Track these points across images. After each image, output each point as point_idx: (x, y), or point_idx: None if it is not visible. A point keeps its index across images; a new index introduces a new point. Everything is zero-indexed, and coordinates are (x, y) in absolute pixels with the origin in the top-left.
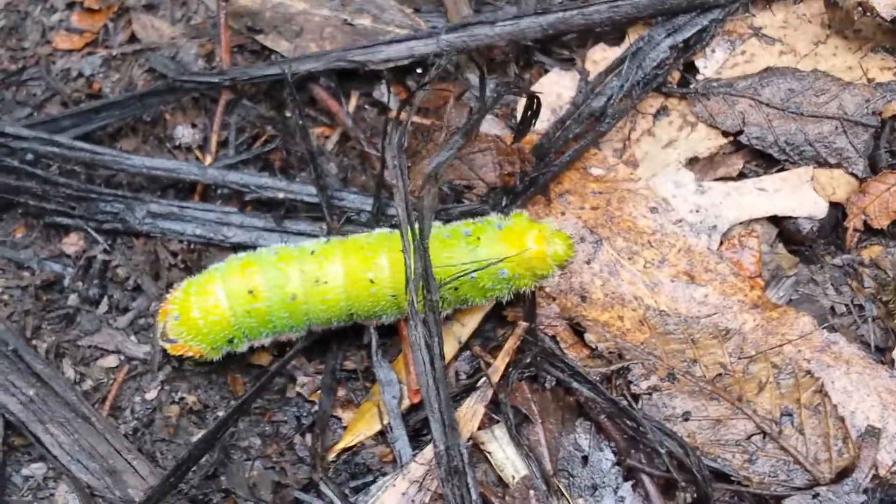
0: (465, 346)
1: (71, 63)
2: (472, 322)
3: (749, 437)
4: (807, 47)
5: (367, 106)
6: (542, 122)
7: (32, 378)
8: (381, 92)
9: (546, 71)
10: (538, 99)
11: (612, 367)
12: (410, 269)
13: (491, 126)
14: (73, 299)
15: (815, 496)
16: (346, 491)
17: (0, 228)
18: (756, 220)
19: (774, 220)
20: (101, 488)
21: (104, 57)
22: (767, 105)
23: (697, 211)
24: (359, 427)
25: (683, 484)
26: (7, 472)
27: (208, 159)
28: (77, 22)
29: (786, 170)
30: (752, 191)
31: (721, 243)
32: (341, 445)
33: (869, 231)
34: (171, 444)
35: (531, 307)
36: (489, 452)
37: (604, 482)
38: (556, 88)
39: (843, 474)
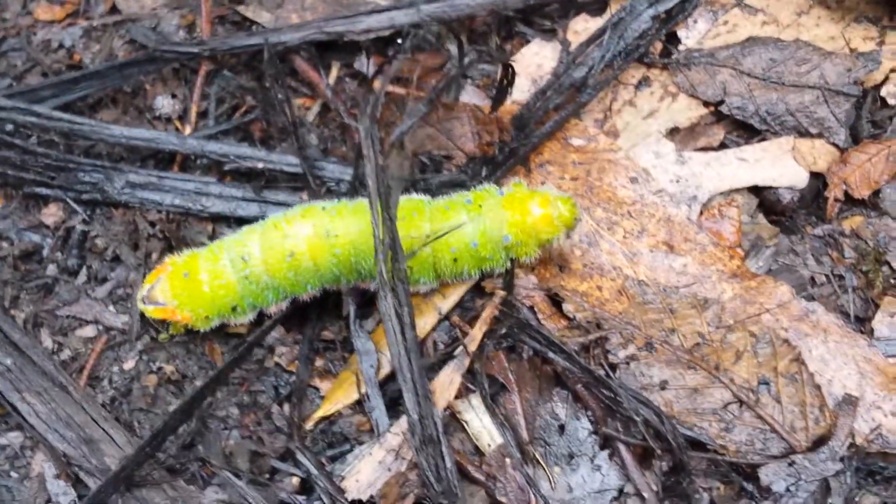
0: (445, 318)
1: (52, 34)
2: (454, 295)
3: (726, 406)
4: (789, 17)
5: (347, 77)
6: (523, 93)
7: (10, 347)
8: (362, 63)
9: (527, 41)
10: (513, 68)
11: (590, 337)
12: (379, 239)
13: (471, 96)
14: (51, 269)
15: (791, 464)
16: (323, 460)
17: None
18: (737, 190)
19: (755, 190)
20: (77, 457)
21: (85, 28)
22: (749, 75)
23: (678, 181)
24: (337, 396)
25: (659, 452)
26: None
27: (188, 130)
28: None
29: (767, 140)
30: (733, 161)
31: (701, 213)
32: (319, 414)
33: (850, 201)
34: (149, 413)
35: (509, 277)
36: (466, 421)
37: (580, 451)
38: (537, 59)
39: (819, 442)
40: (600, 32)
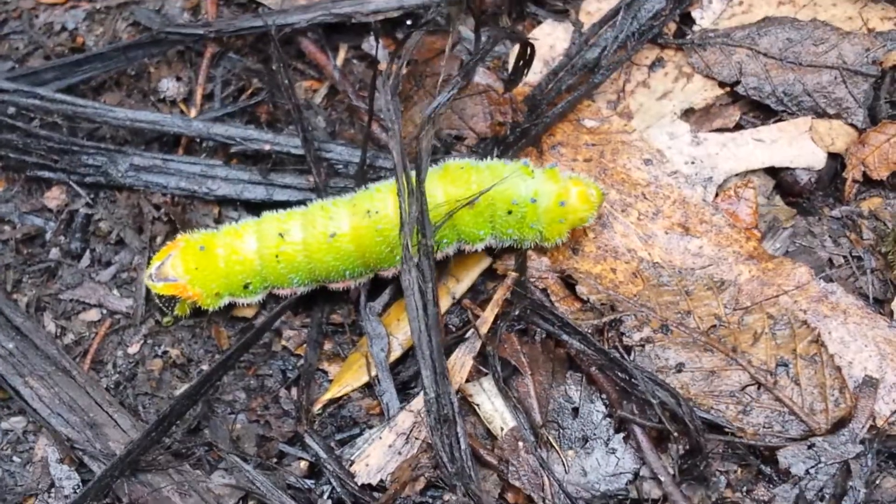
0: (458, 302)
1: (54, 17)
2: (467, 279)
3: (743, 388)
4: None
5: (355, 59)
6: (535, 74)
7: (12, 331)
8: (370, 45)
9: (539, 22)
10: (532, 47)
11: (605, 319)
12: (405, 212)
13: (483, 78)
14: (54, 253)
15: (811, 447)
16: (332, 444)
17: None
18: (753, 171)
19: (772, 171)
20: (81, 441)
21: (88, 10)
22: (765, 55)
23: (693, 162)
24: (345, 378)
25: (676, 435)
26: None
27: (193, 112)
28: None
29: (783, 121)
30: (749, 142)
31: (717, 195)
32: (327, 397)
33: (868, 182)
34: (154, 397)
35: (522, 259)
36: (477, 405)
37: (595, 434)
38: (550, 40)
39: (839, 425)
40: (613, 13)
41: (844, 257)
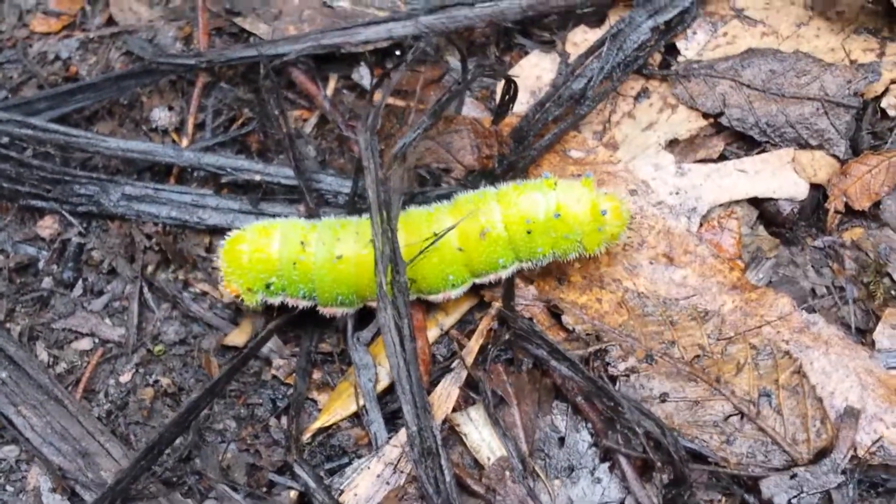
0: (446, 333)
1: (48, 46)
2: (457, 312)
3: (727, 418)
4: (789, 29)
5: (345, 89)
6: (522, 105)
7: (5, 361)
8: (360, 75)
9: (526, 53)
10: (515, 84)
11: (590, 349)
12: (379, 251)
13: (470, 109)
14: (47, 282)
15: (793, 476)
16: (321, 473)
17: None
18: (736, 202)
19: (755, 202)
20: (73, 471)
21: (81, 40)
22: (748, 86)
23: (677, 193)
24: (334, 407)
25: (660, 465)
26: None
27: (185, 142)
28: (54, 5)
29: (766, 151)
30: (733, 172)
31: (701, 225)
32: (316, 425)
33: (850, 213)
34: (146, 426)
35: (508, 288)
36: (464, 434)
37: (580, 463)
38: (536, 70)
39: (821, 455)
40: (599, 44)
41: (827, 287)
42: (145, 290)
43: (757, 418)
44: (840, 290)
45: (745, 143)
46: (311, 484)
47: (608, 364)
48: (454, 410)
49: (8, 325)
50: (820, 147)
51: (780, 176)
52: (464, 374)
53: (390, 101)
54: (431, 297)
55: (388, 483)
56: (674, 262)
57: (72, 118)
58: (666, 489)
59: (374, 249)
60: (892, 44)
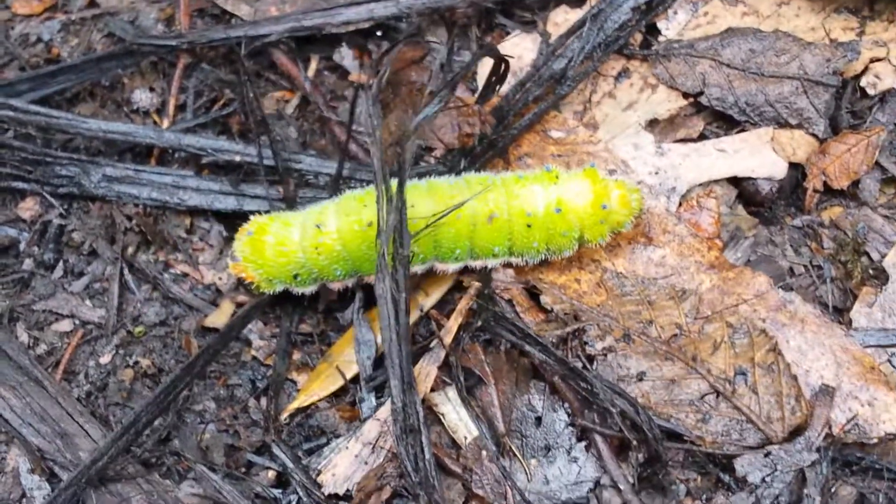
0: (426, 315)
1: (30, 28)
2: (436, 293)
3: (703, 397)
4: (770, 8)
5: (326, 70)
6: (503, 85)
7: None
8: (342, 56)
9: (507, 33)
10: (507, 63)
11: (568, 329)
12: (384, 222)
13: None
14: (28, 264)
15: (767, 455)
16: (300, 453)
17: None
18: (716, 181)
19: (734, 181)
20: (52, 451)
21: (63, 22)
22: (728, 66)
23: (657, 173)
24: (313, 388)
25: (636, 443)
26: None
27: (166, 123)
28: None
29: (746, 131)
30: (712, 152)
31: (680, 205)
32: (294, 405)
33: (829, 192)
34: (125, 408)
35: (485, 272)
36: (442, 414)
37: (557, 442)
38: (518, 51)
39: (795, 433)
40: (580, 24)
41: (805, 266)
42: (125, 271)
43: (732, 397)
44: (818, 269)
45: (725, 122)
46: (289, 464)
47: (586, 343)
48: (432, 390)
49: None
50: (799, 126)
51: (760, 155)
52: (442, 354)
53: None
54: (440, 266)
55: (366, 463)
56: (652, 242)
57: (53, 100)
58: (641, 468)
59: (379, 220)
60: (872, 23)
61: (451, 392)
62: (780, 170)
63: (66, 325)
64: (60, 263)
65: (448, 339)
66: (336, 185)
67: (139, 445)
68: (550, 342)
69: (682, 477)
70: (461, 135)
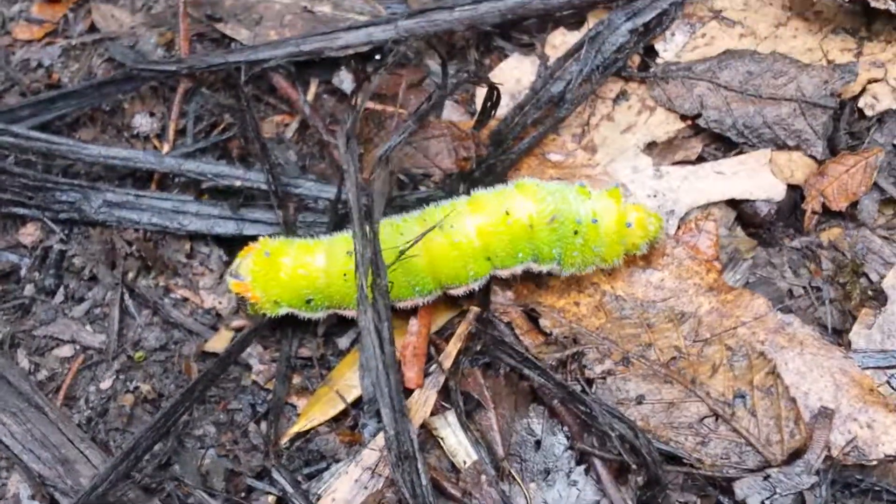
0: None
1: (30, 53)
2: (439, 320)
3: (702, 420)
4: (767, 30)
5: (325, 94)
6: (501, 108)
7: None
8: (341, 79)
9: (506, 56)
10: (498, 90)
11: (567, 352)
12: (360, 254)
13: (450, 112)
14: (28, 289)
15: (767, 478)
16: (299, 478)
17: None
18: (714, 203)
19: (733, 203)
20: (53, 478)
21: (63, 47)
22: (726, 88)
23: (655, 195)
24: (313, 412)
25: (635, 467)
26: None
27: (166, 148)
28: (37, 12)
29: (744, 153)
30: (710, 174)
31: (679, 227)
32: (294, 430)
33: (827, 213)
34: (126, 433)
35: (485, 293)
36: (442, 438)
37: (556, 466)
38: (516, 73)
39: (794, 456)
40: (578, 46)
41: (804, 288)
42: (126, 296)
43: (731, 419)
44: (817, 291)
45: (723, 144)
46: (289, 489)
47: (585, 367)
48: (432, 414)
49: None
50: (797, 148)
51: (758, 177)
52: (442, 378)
53: (370, 105)
54: (453, 291)
55: (366, 488)
56: (651, 265)
57: (54, 125)
58: (641, 491)
59: (355, 254)
60: (870, 43)
61: (451, 416)
62: (778, 191)
63: (66, 351)
64: (61, 289)
65: (447, 364)
66: (335, 209)
67: (139, 471)
68: (549, 365)
69: (681, 500)
70: (458, 159)
